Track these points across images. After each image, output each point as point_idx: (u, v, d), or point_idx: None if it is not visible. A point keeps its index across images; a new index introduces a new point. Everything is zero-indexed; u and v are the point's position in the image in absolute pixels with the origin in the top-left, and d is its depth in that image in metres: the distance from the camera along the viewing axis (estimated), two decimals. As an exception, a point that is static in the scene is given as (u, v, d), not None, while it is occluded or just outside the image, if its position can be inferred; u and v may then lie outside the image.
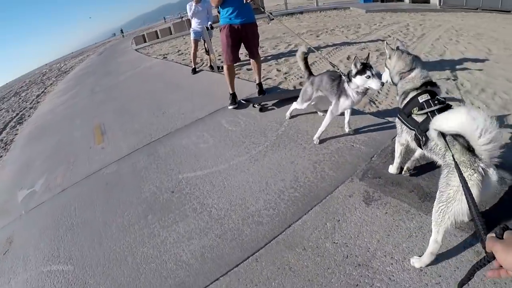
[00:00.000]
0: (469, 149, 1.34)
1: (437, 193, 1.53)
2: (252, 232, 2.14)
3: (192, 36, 6.45)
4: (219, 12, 3.92)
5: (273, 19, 4.60)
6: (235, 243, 2.09)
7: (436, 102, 1.69)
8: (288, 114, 3.46)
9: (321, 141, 2.94)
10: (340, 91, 2.63)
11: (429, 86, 1.80)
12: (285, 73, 5.62)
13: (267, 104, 3.97)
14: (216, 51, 7.20)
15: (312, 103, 3.14)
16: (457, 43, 6.42)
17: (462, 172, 1.06)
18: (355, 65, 2.39)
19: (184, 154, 3.31)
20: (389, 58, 1.97)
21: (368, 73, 2.36)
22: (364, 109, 3.58)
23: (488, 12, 13.98)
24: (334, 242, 1.92)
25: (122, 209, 2.74)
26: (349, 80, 2.50)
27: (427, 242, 1.71)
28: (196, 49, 6.55)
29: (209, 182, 2.75)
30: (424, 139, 1.73)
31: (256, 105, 3.92)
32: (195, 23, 6.30)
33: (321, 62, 5.94)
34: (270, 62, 6.41)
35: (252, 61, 4.20)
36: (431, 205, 1.97)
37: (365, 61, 2.40)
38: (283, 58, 6.62)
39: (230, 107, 4.05)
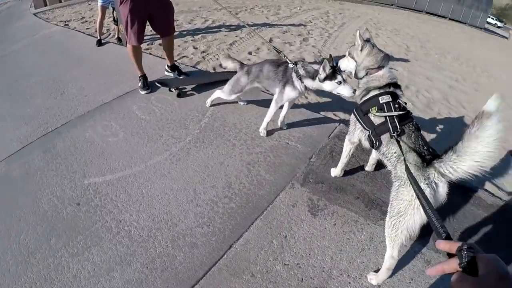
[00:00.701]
0: (423, 162, 1.43)
1: (389, 207, 1.55)
2: (186, 258, 1.75)
3: (99, 2, 5.61)
4: None
5: None
6: (168, 273, 1.69)
7: (396, 106, 1.65)
8: (209, 101, 3.06)
9: (268, 133, 2.73)
10: (286, 80, 2.39)
11: (392, 87, 1.74)
12: (203, 51, 5.10)
13: (186, 89, 3.43)
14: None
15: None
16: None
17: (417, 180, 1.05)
18: (324, 69, 2.13)
19: (89, 150, 2.59)
20: (360, 50, 1.83)
21: (339, 78, 2.13)
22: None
23: (402, 9, 15.80)
24: (285, 264, 1.72)
25: (17, 231, 1.97)
26: (302, 77, 2.29)
27: (380, 255, 1.74)
28: (103, 18, 5.64)
29: (123, 190, 2.17)
30: (378, 143, 1.71)
31: (173, 89, 3.33)
32: None
33: (242, 43, 5.58)
34: (186, 38, 5.75)
35: (165, 40, 3.57)
36: (378, 214, 2.05)
37: (332, 63, 2.14)
38: (200, 35, 6.02)
39: (143, 92, 3.39)
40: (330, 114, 3.29)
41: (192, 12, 7.97)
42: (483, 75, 6.66)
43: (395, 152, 1.60)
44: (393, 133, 1.56)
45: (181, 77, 3.71)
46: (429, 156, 1.47)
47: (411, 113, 1.69)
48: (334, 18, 8.24)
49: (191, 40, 5.65)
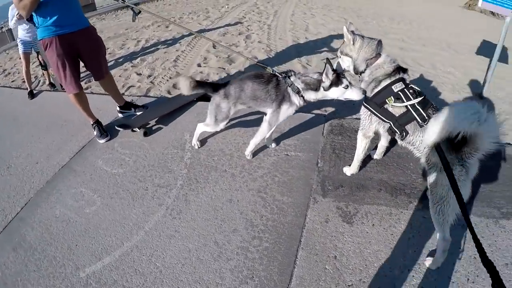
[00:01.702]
0: (452, 145, 1.38)
1: (429, 194, 1.57)
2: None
3: (20, 49, 4.93)
4: (34, 24, 2.70)
5: (139, 12, 3.29)
6: None
7: (412, 92, 1.62)
8: (195, 142, 2.65)
9: (254, 154, 2.48)
10: (282, 97, 2.12)
11: (401, 72, 1.70)
12: (149, 75, 4.69)
13: (149, 124, 3.06)
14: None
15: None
16: (314, 17, 6.92)
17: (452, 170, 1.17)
18: (327, 75, 1.91)
19: (68, 232, 2.13)
20: (353, 44, 1.79)
21: (345, 82, 1.92)
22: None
23: None
24: (348, 286, 1.59)
25: None
26: (302, 90, 2.06)
27: (425, 237, 1.77)
28: (28, 65, 4.94)
29: (133, 271, 1.81)
30: (404, 133, 1.66)
31: (136, 129, 2.95)
32: (22, 32, 4.81)
33: (186, 56, 5.24)
34: (125, 66, 5.27)
35: (102, 83, 3.13)
36: (405, 198, 2.03)
37: (334, 68, 1.94)
38: (138, 58, 5.57)
39: (102, 140, 2.96)
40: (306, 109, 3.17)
41: (120, 35, 7.40)
42: (422, 29, 7.00)
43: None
44: (422, 122, 1.54)
45: (139, 113, 3.32)
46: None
47: (426, 97, 1.64)
48: (265, 9, 8.13)
49: (131, 67, 5.18)
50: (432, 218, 1.57)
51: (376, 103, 1.68)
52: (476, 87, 3.73)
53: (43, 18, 2.54)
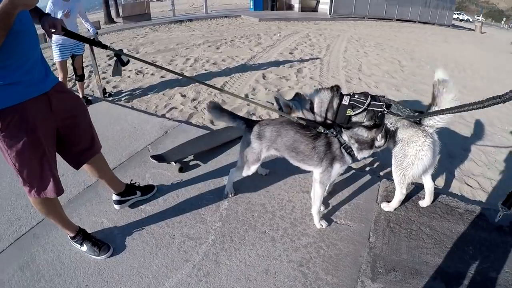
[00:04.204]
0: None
1: (395, 161, 2.14)
2: None
3: (57, 56, 4.01)
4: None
5: (127, 62, 2.23)
6: None
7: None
8: (229, 190, 2.40)
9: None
10: (333, 156, 1.92)
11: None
12: (193, 99, 4.61)
13: (186, 158, 2.89)
14: (98, 66, 5.33)
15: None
16: (367, 55, 6.67)
17: (414, 145, 2.01)
18: (382, 135, 1.88)
19: (80, 267, 1.94)
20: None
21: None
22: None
23: (374, 20, 16.11)
24: None
25: None
26: (357, 150, 1.94)
27: None
28: (66, 76, 4.24)
29: None
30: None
31: (173, 162, 2.78)
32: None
33: (234, 83, 5.15)
34: (172, 83, 5.26)
35: (92, 167, 2.08)
36: None
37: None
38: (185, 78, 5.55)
39: (102, 256, 2.00)
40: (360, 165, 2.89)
41: (170, 50, 7.59)
42: (476, 78, 6.71)
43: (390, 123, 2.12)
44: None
45: (176, 146, 3.02)
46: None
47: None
48: (317, 41, 8.06)
49: (177, 86, 5.16)
50: (394, 179, 2.18)
51: None
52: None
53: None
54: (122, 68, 2.30)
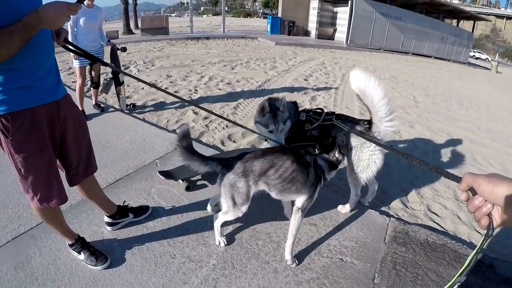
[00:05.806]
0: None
1: (349, 166, 2.37)
2: None
3: (76, 61, 4.11)
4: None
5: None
6: None
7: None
8: (219, 239, 2.18)
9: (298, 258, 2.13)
10: (317, 180, 1.96)
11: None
12: (205, 117, 4.68)
13: (194, 177, 2.91)
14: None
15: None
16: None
17: (367, 150, 2.30)
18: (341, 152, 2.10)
19: (75, 276, 1.92)
20: None
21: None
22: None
23: (390, 52, 16.37)
24: None
25: None
26: (326, 171, 2.05)
27: None
28: (84, 82, 4.24)
29: None
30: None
31: (180, 180, 2.81)
32: (82, 37, 4.06)
33: (248, 105, 5.23)
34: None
35: (82, 186, 2.03)
36: None
37: None
38: (198, 95, 5.68)
39: (99, 267, 1.99)
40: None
41: (185, 66, 7.78)
42: (490, 119, 6.74)
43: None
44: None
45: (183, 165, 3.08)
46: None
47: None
48: (332, 70, 8.21)
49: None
50: (349, 182, 2.43)
51: None
52: None
53: (7, 73, 1.40)
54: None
